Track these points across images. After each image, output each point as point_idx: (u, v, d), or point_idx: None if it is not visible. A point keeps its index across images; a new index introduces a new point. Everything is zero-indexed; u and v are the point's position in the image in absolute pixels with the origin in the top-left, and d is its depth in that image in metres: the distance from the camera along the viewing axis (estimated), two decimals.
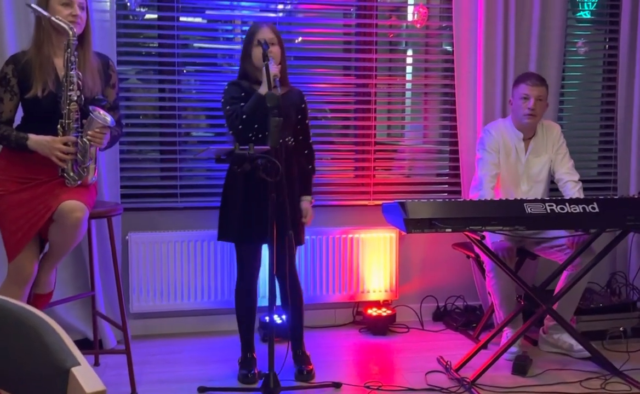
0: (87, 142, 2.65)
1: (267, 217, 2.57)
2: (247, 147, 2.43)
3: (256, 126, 2.89)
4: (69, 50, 2.62)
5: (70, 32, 2.61)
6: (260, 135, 2.89)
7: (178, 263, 3.65)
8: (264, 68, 2.81)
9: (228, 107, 2.96)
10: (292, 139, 3.03)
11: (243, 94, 2.95)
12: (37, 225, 2.59)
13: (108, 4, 3.39)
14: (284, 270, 2.90)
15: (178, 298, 3.67)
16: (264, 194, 2.75)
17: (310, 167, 3.16)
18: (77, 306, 3.47)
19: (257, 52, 2.94)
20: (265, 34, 2.94)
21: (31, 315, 1.18)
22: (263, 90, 2.84)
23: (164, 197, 3.72)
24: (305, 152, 3.13)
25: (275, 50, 2.95)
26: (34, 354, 1.12)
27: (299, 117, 3.08)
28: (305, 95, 3.78)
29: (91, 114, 2.64)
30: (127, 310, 3.52)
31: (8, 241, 2.63)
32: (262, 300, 3.62)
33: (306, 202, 3.12)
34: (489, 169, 3.49)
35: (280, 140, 2.87)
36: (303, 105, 3.11)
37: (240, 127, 2.89)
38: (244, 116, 2.87)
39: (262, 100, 2.79)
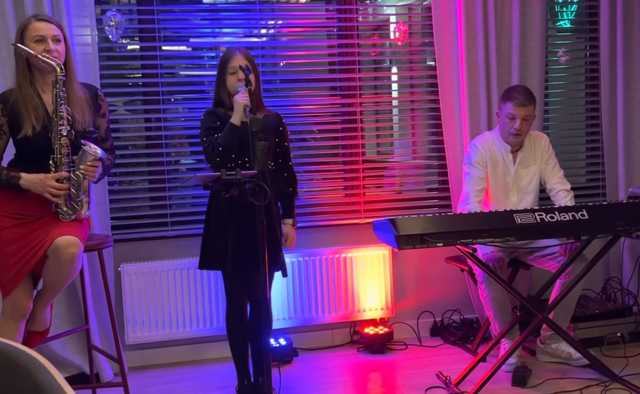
0: (80, 176, 2.65)
1: (253, 242, 2.55)
2: (234, 172, 2.43)
3: (233, 156, 2.88)
4: (57, 86, 2.63)
5: (58, 69, 2.62)
6: (240, 161, 2.89)
7: (172, 292, 3.63)
8: (235, 98, 2.83)
9: (205, 139, 2.95)
10: (272, 163, 3.03)
11: (219, 123, 2.94)
12: (30, 262, 2.57)
13: (89, 37, 3.41)
14: (262, 294, 2.89)
15: (174, 327, 3.65)
16: (247, 220, 2.75)
17: (290, 189, 3.13)
18: (72, 341, 3.45)
19: (231, 79, 2.95)
20: (240, 60, 2.94)
21: (21, 353, 1.17)
22: (235, 119, 2.84)
23: (155, 227, 3.72)
24: (285, 174, 3.11)
25: (250, 76, 2.96)
26: (25, 393, 1.11)
27: (277, 140, 3.07)
28: (293, 117, 3.83)
29: (83, 148, 2.64)
30: (122, 341, 3.50)
31: (2, 277, 2.62)
32: None
33: (288, 226, 3.11)
34: (476, 183, 3.50)
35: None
36: (281, 128, 3.09)
37: (217, 159, 2.88)
38: (220, 148, 2.87)
39: (235, 130, 2.82)
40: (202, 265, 3.04)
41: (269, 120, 3.02)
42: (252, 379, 3.14)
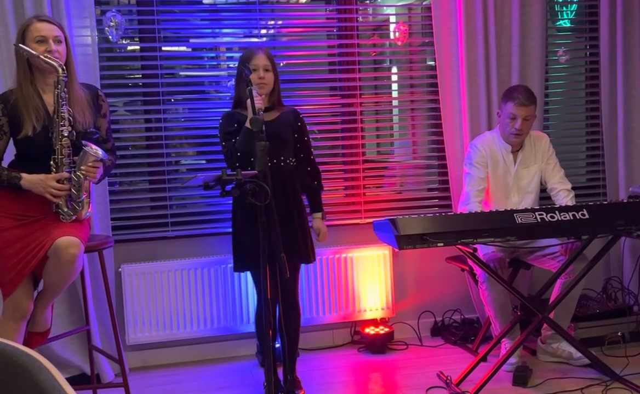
0: (81, 177, 2.65)
1: (284, 238, 2.56)
2: (234, 172, 2.43)
3: (252, 159, 2.87)
4: (59, 86, 2.63)
5: (60, 69, 2.62)
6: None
7: (172, 293, 3.63)
8: (248, 101, 2.83)
9: (224, 144, 2.97)
10: (293, 159, 3.02)
11: (236, 125, 2.95)
12: (31, 263, 2.57)
13: (89, 38, 3.41)
14: (283, 293, 2.89)
15: (174, 328, 3.65)
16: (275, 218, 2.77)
17: (316, 183, 3.13)
18: (73, 341, 3.45)
19: (252, 78, 2.94)
20: (260, 60, 2.95)
21: (22, 354, 1.16)
22: (249, 123, 2.84)
23: (155, 227, 3.71)
24: (308, 168, 3.11)
25: (268, 77, 2.95)
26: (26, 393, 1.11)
27: (296, 135, 3.06)
28: None
29: (84, 148, 2.64)
30: (123, 342, 3.50)
31: (2, 278, 2.61)
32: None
33: (317, 219, 3.10)
34: (476, 184, 3.50)
35: (282, 163, 2.89)
36: (299, 123, 3.09)
37: (237, 164, 2.88)
38: (238, 153, 2.87)
39: (250, 134, 2.80)
40: (237, 268, 3.06)
41: (287, 117, 3.03)
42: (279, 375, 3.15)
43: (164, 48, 3.73)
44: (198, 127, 3.83)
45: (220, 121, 3.05)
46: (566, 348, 3.45)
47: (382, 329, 3.83)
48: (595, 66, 4.20)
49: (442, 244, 2.81)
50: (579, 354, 3.38)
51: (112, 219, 3.59)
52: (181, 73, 3.96)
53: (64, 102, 2.65)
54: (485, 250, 3.37)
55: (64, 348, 3.42)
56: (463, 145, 3.87)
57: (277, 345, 3.60)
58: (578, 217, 2.89)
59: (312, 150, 3.15)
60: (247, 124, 2.85)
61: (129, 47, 3.83)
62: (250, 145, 2.82)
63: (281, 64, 4.04)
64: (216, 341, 3.71)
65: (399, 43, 3.97)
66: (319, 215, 3.11)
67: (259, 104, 2.80)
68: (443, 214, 3.25)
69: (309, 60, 4.02)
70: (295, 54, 4.01)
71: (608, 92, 4.10)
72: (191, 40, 3.88)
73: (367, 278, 3.86)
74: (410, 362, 3.65)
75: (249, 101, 2.83)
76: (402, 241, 2.77)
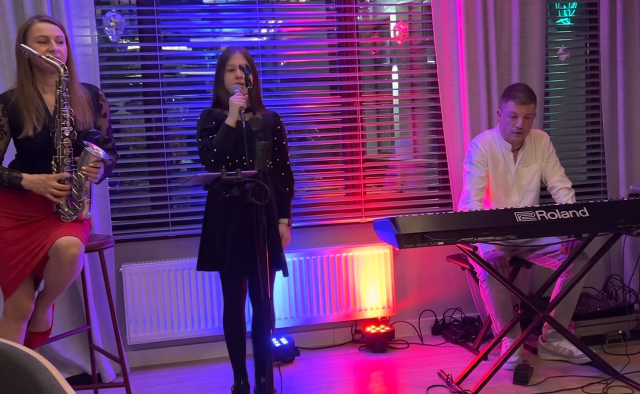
0: (82, 177, 2.65)
1: (253, 242, 2.54)
2: (234, 172, 2.43)
3: (228, 157, 2.87)
4: (61, 87, 2.63)
5: (62, 70, 2.62)
6: (237, 161, 2.87)
7: (173, 292, 3.64)
8: (231, 98, 2.82)
9: (200, 140, 2.95)
10: (270, 162, 3.02)
11: (214, 122, 2.93)
12: (31, 264, 2.58)
13: (89, 38, 3.42)
14: (264, 294, 2.89)
15: (175, 327, 3.65)
16: (246, 220, 2.74)
17: (287, 189, 3.10)
18: (74, 341, 3.45)
19: (229, 77, 2.94)
20: (238, 59, 2.94)
21: (21, 354, 1.17)
22: (230, 121, 2.83)
23: (156, 227, 3.72)
24: (282, 174, 3.09)
25: (249, 76, 2.94)
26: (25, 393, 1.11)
27: (275, 139, 3.06)
28: (294, 117, 3.83)
29: (85, 149, 2.64)
30: (124, 342, 3.51)
31: (3, 278, 2.62)
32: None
33: (283, 225, 3.08)
34: (476, 182, 3.50)
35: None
36: (279, 127, 3.07)
37: (212, 160, 2.87)
38: (215, 150, 2.87)
39: (230, 131, 2.81)
40: (201, 266, 3.03)
41: (267, 120, 3.01)
42: (249, 380, 3.13)
43: (164, 48, 3.74)
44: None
45: (198, 118, 3.03)
46: (567, 346, 3.45)
47: (382, 328, 3.84)
48: (596, 64, 4.19)
49: (442, 243, 2.81)
50: (579, 353, 3.38)
51: (113, 219, 3.59)
52: (181, 73, 3.96)
53: (65, 102, 2.65)
54: (485, 249, 3.37)
55: (65, 347, 3.43)
56: (463, 143, 3.87)
57: (278, 344, 3.61)
58: (578, 215, 2.89)
59: (288, 155, 3.13)
60: (228, 122, 2.84)
61: (129, 47, 3.84)
62: (227, 143, 2.83)
63: (281, 63, 4.05)
64: (216, 340, 3.71)
65: (399, 42, 3.97)
66: (285, 220, 3.09)
67: (241, 102, 2.79)
68: (443, 213, 3.24)
69: (309, 60, 4.02)
70: (295, 53, 4.01)
71: (608, 90, 4.10)
72: (191, 40, 3.88)
73: (368, 277, 3.86)
74: (411, 361, 3.66)
75: (232, 98, 2.83)
76: (403, 240, 2.77)
